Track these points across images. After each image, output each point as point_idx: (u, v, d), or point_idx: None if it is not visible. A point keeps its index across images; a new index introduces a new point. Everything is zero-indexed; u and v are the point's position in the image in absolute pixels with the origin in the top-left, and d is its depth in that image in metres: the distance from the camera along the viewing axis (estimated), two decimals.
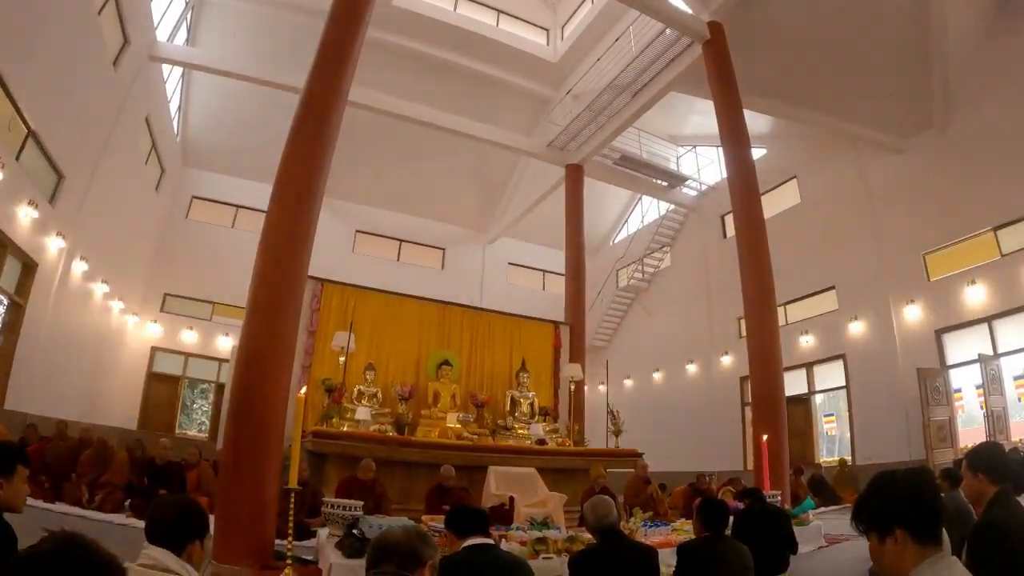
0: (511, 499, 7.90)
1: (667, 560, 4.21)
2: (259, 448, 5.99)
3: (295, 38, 14.15)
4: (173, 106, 16.80)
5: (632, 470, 9.85)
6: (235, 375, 6.48)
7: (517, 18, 17.92)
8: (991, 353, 11.82)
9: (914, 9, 11.98)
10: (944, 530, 1.70)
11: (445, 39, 15.88)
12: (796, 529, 6.33)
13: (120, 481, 8.25)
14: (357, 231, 20.84)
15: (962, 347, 12.54)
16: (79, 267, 12.59)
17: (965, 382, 12.51)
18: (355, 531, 5.08)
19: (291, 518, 5.03)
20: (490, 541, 3.38)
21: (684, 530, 6.71)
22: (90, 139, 12.20)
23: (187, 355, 17.69)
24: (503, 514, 7.55)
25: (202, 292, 17.88)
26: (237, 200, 18.85)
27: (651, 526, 6.91)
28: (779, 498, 7.92)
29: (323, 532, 5.83)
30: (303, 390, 5.42)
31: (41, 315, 11.24)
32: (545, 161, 17.47)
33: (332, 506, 5.62)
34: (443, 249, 22.22)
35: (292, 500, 5.03)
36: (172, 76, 16.17)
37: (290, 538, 5.02)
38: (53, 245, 11.41)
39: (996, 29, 12.44)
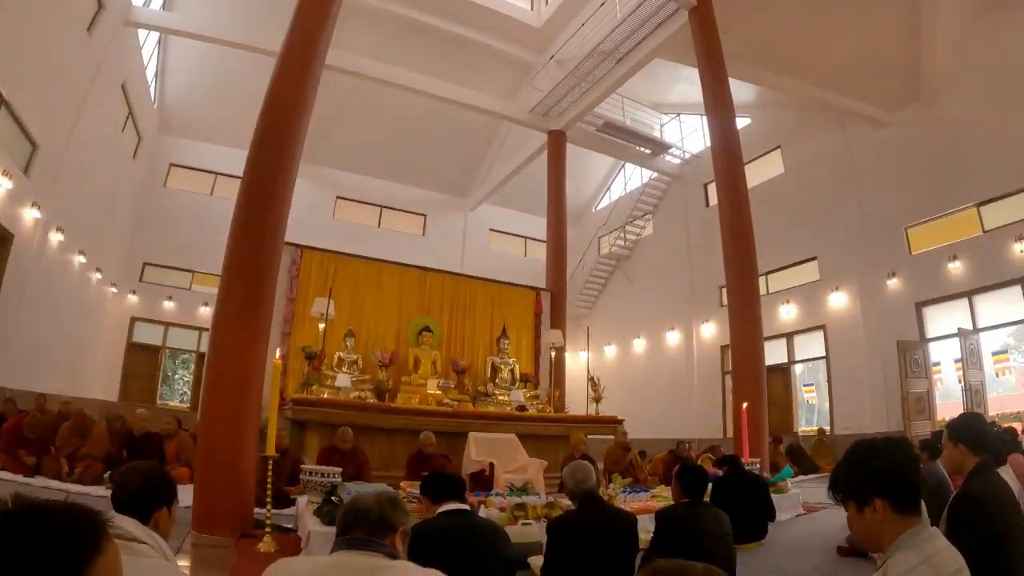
0: (491, 465, 7.92)
1: (646, 526, 4.23)
2: (237, 416, 5.93)
3: (273, 0, 13.82)
4: (150, 72, 16.40)
5: (612, 437, 9.91)
6: (211, 343, 6.41)
7: None
8: (970, 328, 11.95)
9: None
10: (922, 501, 1.68)
11: (427, 2, 15.56)
12: (774, 497, 6.42)
13: (100, 453, 8.18)
14: (338, 197, 20.63)
15: (942, 321, 12.69)
16: (55, 238, 12.35)
17: (944, 356, 12.70)
18: (334, 498, 5.06)
19: (269, 486, 5.02)
20: (465, 507, 3.36)
21: (663, 496, 6.75)
22: (64, 107, 11.89)
23: (167, 325, 17.56)
24: (483, 480, 7.58)
25: (181, 261, 17.68)
26: (216, 167, 18.55)
27: (630, 492, 6.94)
28: (758, 466, 8.00)
29: (302, 500, 5.81)
30: (278, 354, 5.37)
31: (18, 287, 11.03)
32: (527, 127, 17.25)
33: (311, 473, 5.59)
34: (424, 215, 22.06)
35: (269, 468, 5.01)
36: (148, 41, 15.73)
37: (268, 506, 5.01)
38: (28, 216, 11.17)
39: (985, 5, 12.36)
